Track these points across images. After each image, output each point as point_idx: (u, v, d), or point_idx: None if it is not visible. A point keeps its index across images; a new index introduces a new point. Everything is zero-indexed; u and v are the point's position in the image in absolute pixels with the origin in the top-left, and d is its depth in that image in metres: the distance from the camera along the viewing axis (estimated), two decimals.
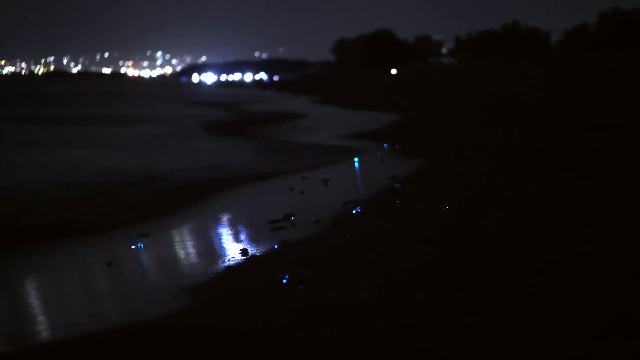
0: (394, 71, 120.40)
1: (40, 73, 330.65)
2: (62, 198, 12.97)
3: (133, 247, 9.21)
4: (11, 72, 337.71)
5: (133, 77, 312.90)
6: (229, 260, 8.31)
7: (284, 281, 6.82)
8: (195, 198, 12.87)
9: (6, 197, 12.99)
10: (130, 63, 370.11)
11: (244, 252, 8.57)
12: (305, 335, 5.30)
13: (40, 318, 6.48)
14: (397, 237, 8.28)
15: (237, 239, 9.86)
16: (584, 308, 5.41)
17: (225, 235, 10.23)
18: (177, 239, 10.22)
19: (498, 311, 5.46)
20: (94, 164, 18.16)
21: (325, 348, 5.08)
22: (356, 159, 18.45)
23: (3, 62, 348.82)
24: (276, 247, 8.74)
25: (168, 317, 6.19)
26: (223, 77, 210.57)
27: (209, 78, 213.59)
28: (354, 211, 10.70)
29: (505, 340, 4.95)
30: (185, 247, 9.48)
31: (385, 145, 21.13)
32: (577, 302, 5.55)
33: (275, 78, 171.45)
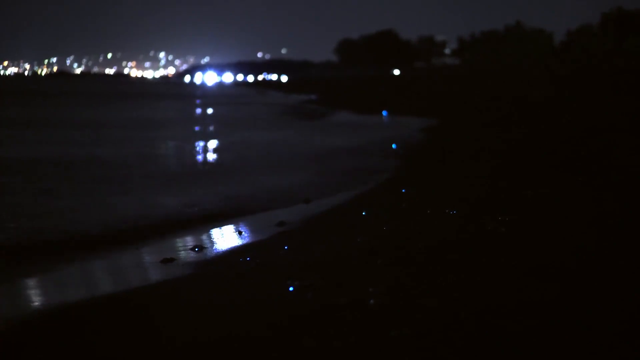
0: (396, 72, 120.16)
1: (43, 74, 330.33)
2: None
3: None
4: (14, 73, 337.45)
5: (136, 77, 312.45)
6: (233, 264, 8.30)
7: (291, 288, 6.80)
8: None
9: None
10: (133, 64, 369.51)
11: (250, 255, 8.55)
12: (316, 345, 5.30)
13: None
14: (405, 242, 8.27)
15: (243, 241, 9.88)
16: (590, 314, 5.43)
17: (231, 237, 10.27)
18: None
19: (507, 318, 5.47)
20: None
21: (337, 358, 5.08)
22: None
23: (6, 63, 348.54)
24: (286, 248, 8.75)
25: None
26: (228, 78, 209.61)
27: (211, 79, 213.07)
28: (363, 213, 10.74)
29: (514, 346, 4.98)
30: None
31: (394, 145, 21.17)
32: (584, 307, 5.58)
33: (284, 78, 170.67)
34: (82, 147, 23.56)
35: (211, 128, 32.53)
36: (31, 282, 8.26)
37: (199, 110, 52.53)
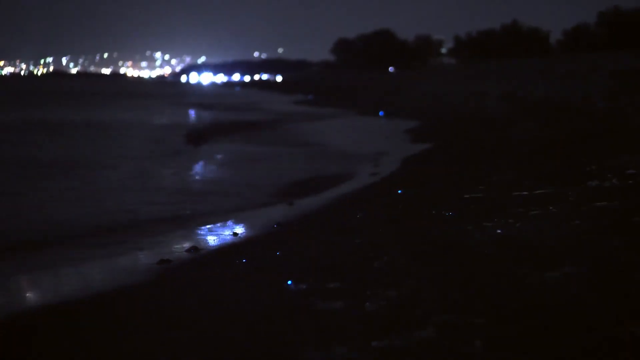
0: (391, 71, 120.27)
1: (39, 74, 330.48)
2: None
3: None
4: (10, 73, 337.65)
5: (132, 77, 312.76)
6: (230, 266, 8.25)
7: (289, 289, 6.76)
8: None
9: None
10: (129, 63, 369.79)
11: (247, 256, 8.51)
12: (315, 349, 5.25)
13: None
14: (402, 244, 8.24)
15: (236, 244, 9.83)
16: (592, 320, 5.40)
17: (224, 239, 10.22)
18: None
19: (511, 323, 5.44)
20: None
21: None
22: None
23: (2, 62, 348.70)
24: (283, 249, 8.71)
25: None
26: (223, 78, 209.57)
27: (207, 78, 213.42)
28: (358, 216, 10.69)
29: (520, 353, 4.95)
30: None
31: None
32: (585, 314, 5.54)
33: (279, 78, 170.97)
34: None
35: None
36: (28, 278, 8.33)
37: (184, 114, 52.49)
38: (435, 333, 5.29)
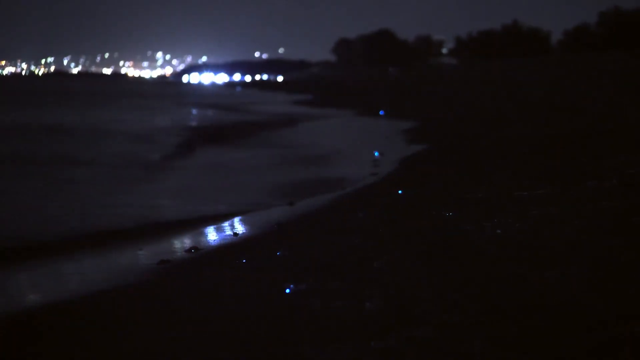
0: (391, 69, 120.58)
1: (40, 74, 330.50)
2: None
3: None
4: (11, 73, 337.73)
5: (133, 77, 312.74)
6: (230, 266, 8.24)
7: (288, 290, 6.75)
8: None
9: None
10: (130, 63, 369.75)
11: (246, 257, 8.49)
12: (313, 349, 5.25)
13: None
14: (401, 244, 8.23)
15: (236, 244, 9.81)
16: (592, 320, 5.40)
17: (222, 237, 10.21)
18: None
19: (509, 323, 5.43)
20: None
21: None
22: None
23: (3, 62, 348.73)
24: (282, 249, 8.70)
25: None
26: (223, 78, 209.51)
27: (208, 78, 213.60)
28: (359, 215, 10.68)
29: (520, 353, 4.94)
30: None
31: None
32: (585, 314, 5.54)
33: (280, 78, 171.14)
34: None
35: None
36: (28, 278, 8.35)
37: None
38: (435, 333, 5.28)
